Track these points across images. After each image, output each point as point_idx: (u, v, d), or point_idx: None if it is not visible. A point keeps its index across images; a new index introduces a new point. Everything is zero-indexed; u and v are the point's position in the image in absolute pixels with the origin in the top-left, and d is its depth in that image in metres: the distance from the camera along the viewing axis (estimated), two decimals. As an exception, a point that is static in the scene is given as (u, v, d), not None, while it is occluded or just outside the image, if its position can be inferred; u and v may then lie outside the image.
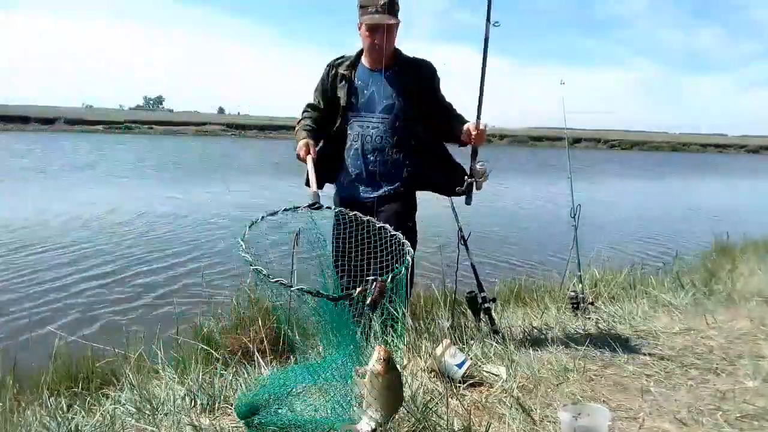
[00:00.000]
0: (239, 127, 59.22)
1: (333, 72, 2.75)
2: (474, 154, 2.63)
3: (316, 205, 2.28)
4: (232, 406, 1.93)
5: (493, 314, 3.00)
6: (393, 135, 2.69)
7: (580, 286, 3.62)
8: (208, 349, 3.01)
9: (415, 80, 2.69)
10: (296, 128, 2.82)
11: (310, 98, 2.90)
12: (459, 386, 1.98)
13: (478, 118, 2.57)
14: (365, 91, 2.70)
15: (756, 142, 76.64)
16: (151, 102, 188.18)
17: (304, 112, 2.88)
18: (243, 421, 1.71)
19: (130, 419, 1.87)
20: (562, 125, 4.30)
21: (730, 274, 4.67)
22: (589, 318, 3.15)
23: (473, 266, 3.04)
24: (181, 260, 7.22)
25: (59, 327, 4.31)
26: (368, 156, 2.71)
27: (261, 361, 2.38)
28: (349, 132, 2.75)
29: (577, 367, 2.19)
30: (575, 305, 3.43)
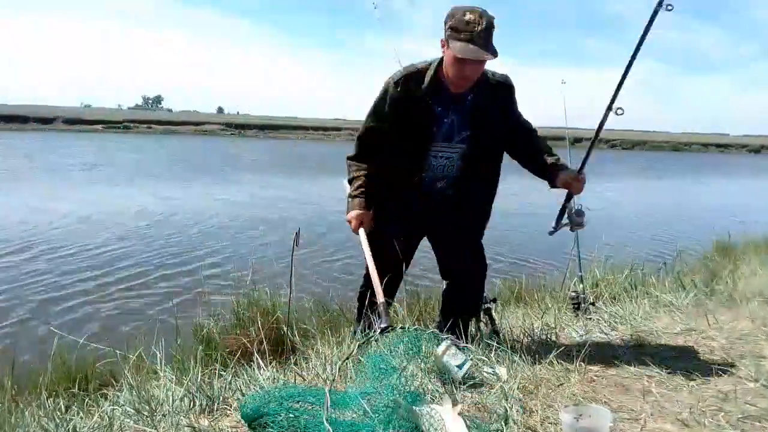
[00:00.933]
0: (238, 127, 59.26)
1: (402, 92, 2.34)
2: (569, 197, 2.49)
3: (388, 329, 2.15)
4: (231, 407, 1.92)
5: (494, 314, 3.00)
6: (465, 164, 2.46)
7: (581, 286, 3.61)
8: (209, 347, 3.00)
9: (494, 104, 2.41)
10: (347, 190, 2.56)
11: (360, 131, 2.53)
12: (459, 387, 1.97)
13: (581, 170, 2.37)
14: (445, 120, 2.37)
15: (757, 141, 76.68)
16: (150, 101, 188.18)
17: (353, 161, 2.55)
18: (246, 423, 1.69)
19: (128, 420, 1.86)
20: (563, 124, 4.30)
21: (731, 274, 4.66)
22: (590, 318, 3.14)
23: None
24: (180, 260, 7.22)
25: (57, 327, 4.29)
26: (436, 184, 2.48)
27: (260, 361, 2.37)
28: (418, 161, 2.44)
29: (578, 368, 2.18)
30: (576, 305, 3.42)
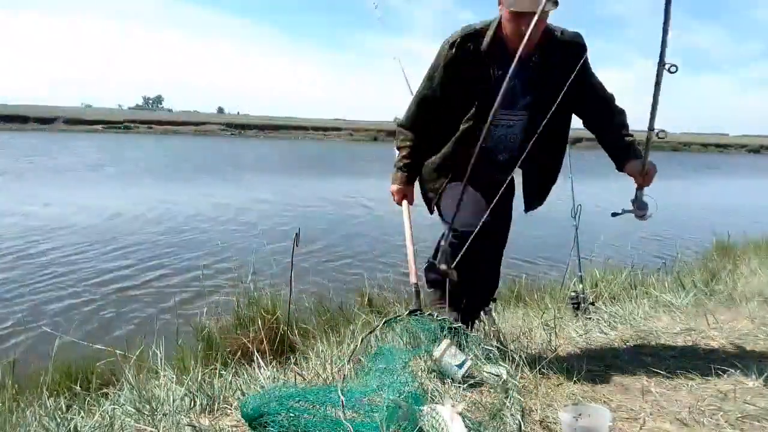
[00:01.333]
0: (238, 127, 59.26)
1: (461, 55, 2.10)
2: (639, 186, 2.25)
3: (416, 312, 2.13)
4: (231, 406, 1.92)
5: (494, 314, 3.00)
6: (528, 134, 2.18)
7: (581, 286, 3.61)
8: (209, 347, 3.01)
9: (562, 67, 2.08)
10: (395, 160, 2.39)
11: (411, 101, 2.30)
12: (459, 386, 1.98)
13: (644, 164, 2.11)
14: (510, 85, 2.06)
15: (757, 141, 76.65)
16: (151, 101, 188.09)
17: (402, 129, 2.35)
18: (246, 423, 1.69)
19: (129, 420, 1.86)
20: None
21: (731, 274, 4.66)
22: (590, 318, 3.14)
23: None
24: (180, 260, 7.22)
25: (58, 327, 4.30)
26: (498, 156, 2.24)
27: (261, 361, 2.37)
28: (476, 132, 2.14)
29: (577, 367, 2.18)
30: (576, 305, 3.43)
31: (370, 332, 2.08)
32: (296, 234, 2.97)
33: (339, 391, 1.56)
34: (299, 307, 3.89)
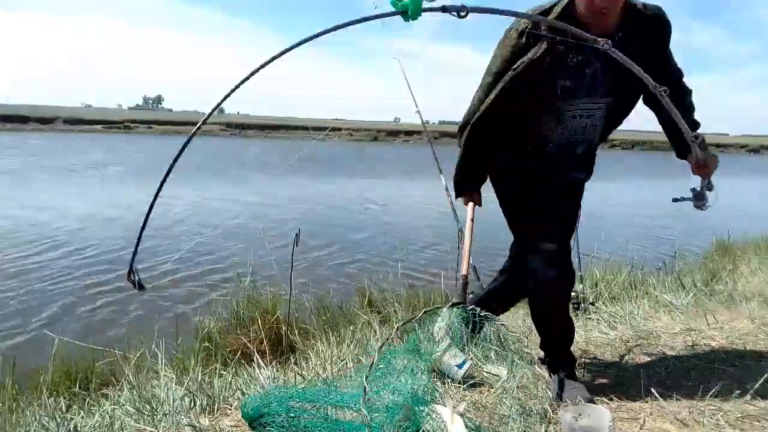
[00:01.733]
0: (239, 127, 59.26)
1: (531, 42, 1.87)
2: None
3: (459, 304, 2.11)
4: (231, 406, 1.93)
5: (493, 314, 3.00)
6: (609, 122, 2.03)
7: (581, 286, 3.61)
8: (209, 347, 3.01)
9: (646, 45, 1.87)
10: (457, 164, 2.20)
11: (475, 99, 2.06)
12: (459, 386, 1.98)
13: (698, 156, 1.88)
14: (586, 70, 1.88)
15: (757, 141, 76.68)
16: (151, 101, 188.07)
17: (465, 130, 2.10)
18: (248, 422, 1.69)
19: (129, 420, 1.86)
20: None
21: (731, 274, 4.66)
22: (590, 318, 3.14)
23: (474, 266, 3.03)
24: (180, 260, 7.22)
25: (58, 327, 4.30)
26: (575, 148, 2.02)
27: (260, 361, 2.37)
28: (554, 125, 1.98)
29: (577, 367, 2.18)
30: (576, 305, 3.42)
31: (409, 320, 2.02)
32: (296, 234, 2.97)
33: (364, 378, 1.54)
34: (299, 307, 3.89)
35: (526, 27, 1.86)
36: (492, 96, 1.97)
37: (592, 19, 1.79)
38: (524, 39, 1.87)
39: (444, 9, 1.44)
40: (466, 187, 2.27)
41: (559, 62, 1.86)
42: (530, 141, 2.02)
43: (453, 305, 2.14)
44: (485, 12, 1.50)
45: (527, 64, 1.87)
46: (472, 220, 2.38)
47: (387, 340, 1.93)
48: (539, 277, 1.97)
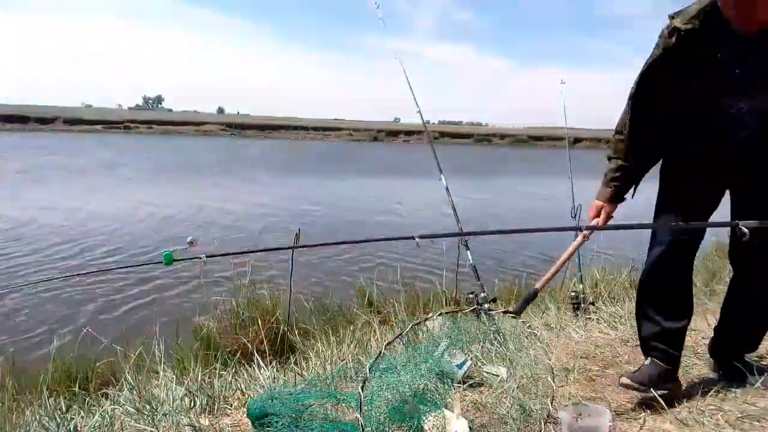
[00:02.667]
0: (239, 127, 59.29)
1: (682, 41, 1.82)
2: None
3: (509, 312, 2.04)
4: (231, 406, 1.93)
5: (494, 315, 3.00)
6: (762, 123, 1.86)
7: (581, 286, 3.62)
8: (209, 347, 3.01)
9: None
10: (606, 166, 2.13)
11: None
12: (459, 386, 1.98)
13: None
14: (736, 70, 1.80)
15: (756, 141, 76.48)
16: (151, 101, 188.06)
17: (618, 138, 2.06)
18: (251, 422, 1.69)
19: (129, 420, 1.86)
20: (563, 125, 4.30)
21: (731, 273, 4.65)
22: (590, 318, 3.14)
23: (474, 267, 3.04)
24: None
25: (58, 327, 4.31)
26: (736, 149, 1.89)
27: (260, 361, 2.37)
28: (708, 127, 1.89)
29: (577, 367, 2.18)
30: (576, 305, 3.43)
31: (455, 311, 2.03)
32: (296, 234, 2.97)
33: (367, 369, 1.53)
34: (299, 307, 3.89)
35: (676, 26, 1.83)
36: (641, 101, 1.94)
37: (738, 10, 1.75)
38: (674, 39, 1.83)
39: None
40: (601, 195, 2.17)
41: (709, 62, 1.82)
42: (685, 144, 1.97)
43: (505, 313, 2.09)
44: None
45: (677, 66, 1.84)
46: (586, 237, 2.23)
47: (399, 335, 1.92)
48: None
